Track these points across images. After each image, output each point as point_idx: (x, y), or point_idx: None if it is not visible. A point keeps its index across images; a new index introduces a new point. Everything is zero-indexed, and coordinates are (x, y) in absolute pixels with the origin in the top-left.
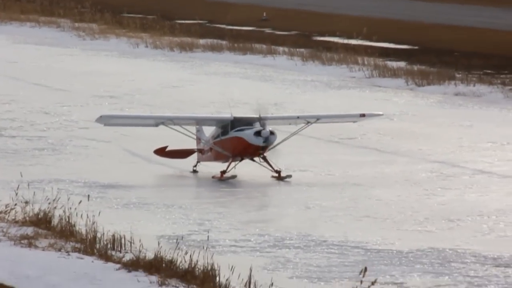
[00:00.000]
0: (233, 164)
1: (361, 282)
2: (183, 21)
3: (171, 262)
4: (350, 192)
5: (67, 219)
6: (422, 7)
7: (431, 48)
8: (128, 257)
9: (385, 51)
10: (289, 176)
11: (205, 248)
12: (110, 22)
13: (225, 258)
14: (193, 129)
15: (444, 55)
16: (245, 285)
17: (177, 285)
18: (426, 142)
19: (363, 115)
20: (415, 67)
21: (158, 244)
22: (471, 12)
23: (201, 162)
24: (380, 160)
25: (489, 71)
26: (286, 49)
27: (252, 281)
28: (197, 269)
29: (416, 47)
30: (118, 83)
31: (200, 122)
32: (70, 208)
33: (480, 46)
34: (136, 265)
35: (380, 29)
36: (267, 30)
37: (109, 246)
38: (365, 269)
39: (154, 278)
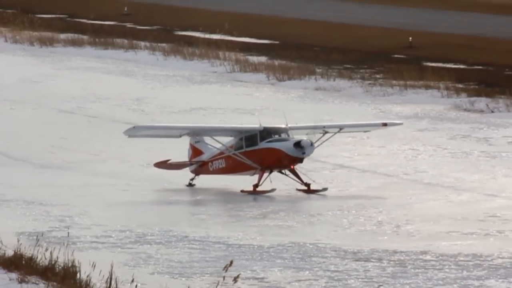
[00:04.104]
0: (264, 176)
1: (224, 278)
2: (43, 16)
3: (31, 259)
4: (213, 188)
5: None
6: (279, 1)
7: (291, 43)
8: None
9: (246, 46)
10: (325, 189)
11: (65, 245)
12: None
13: (86, 255)
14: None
15: (304, 50)
16: (106, 282)
17: (37, 282)
18: None
19: (385, 124)
20: (276, 62)
21: (18, 241)
22: (324, 7)
23: (201, 175)
24: None
25: (349, 66)
26: (147, 44)
27: (113, 277)
28: (57, 266)
29: (276, 42)
30: None
31: (225, 132)
32: None
33: (338, 41)
34: None
35: (241, 24)
36: (129, 25)
37: None
38: (231, 263)
39: (14, 275)
